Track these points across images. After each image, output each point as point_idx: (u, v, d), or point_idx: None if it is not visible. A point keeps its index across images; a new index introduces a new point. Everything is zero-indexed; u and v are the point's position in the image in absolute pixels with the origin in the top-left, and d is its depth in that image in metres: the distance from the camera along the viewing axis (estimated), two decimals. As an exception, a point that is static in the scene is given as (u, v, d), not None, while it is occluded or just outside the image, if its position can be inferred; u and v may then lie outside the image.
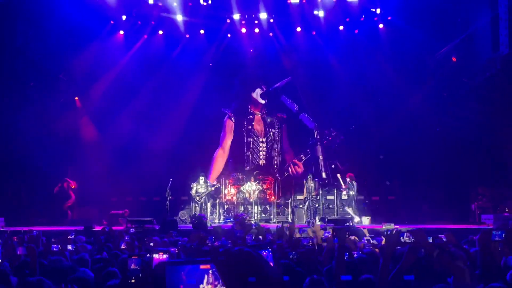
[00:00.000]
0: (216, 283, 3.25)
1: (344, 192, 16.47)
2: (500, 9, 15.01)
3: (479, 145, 17.47)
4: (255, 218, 15.87)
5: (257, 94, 16.46)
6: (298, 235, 8.72)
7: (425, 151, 18.60)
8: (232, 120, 16.59)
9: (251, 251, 2.09)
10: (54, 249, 6.28)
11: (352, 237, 8.72)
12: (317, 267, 5.07)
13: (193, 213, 16.25)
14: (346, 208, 16.43)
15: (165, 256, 3.97)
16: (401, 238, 4.26)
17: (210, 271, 3.28)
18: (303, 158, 16.65)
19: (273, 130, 16.92)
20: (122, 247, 7.40)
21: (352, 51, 19.57)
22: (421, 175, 18.64)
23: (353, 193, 16.50)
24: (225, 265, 2.08)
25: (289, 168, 16.60)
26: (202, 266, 3.23)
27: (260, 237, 8.87)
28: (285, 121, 17.53)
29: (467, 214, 17.12)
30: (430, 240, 6.08)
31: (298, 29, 19.34)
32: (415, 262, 3.79)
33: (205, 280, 3.29)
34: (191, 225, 14.45)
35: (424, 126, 18.65)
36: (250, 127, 16.60)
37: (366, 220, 16.07)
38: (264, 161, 16.86)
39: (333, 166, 18.48)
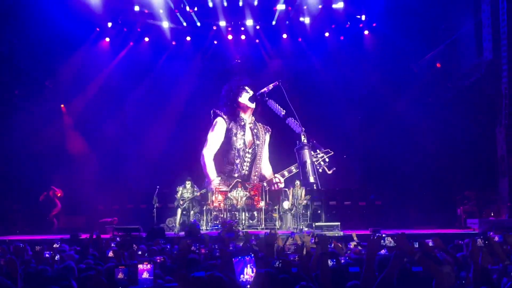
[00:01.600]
0: None
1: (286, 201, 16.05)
2: (483, 15, 15.21)
3: (464, 150, 17.61)
4: (243, 224, 15.82)
5: (244, 98, 16.38)
6: (281, 243, 8.72)
7: (411, 156, 18.73)
8: (224, 122, 16.42)
9: (222, 276, 2.08)
10: (39, 258, 6.22)
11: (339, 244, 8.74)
12: (304, 274, 5.06)
13: (179, 219, 16.12)
14: (288, 215, 15.98)
15: (149, 266, 3.95)
16: (382, 241, 4.27)
17: None
18: (285, 175, 16.51)
19: (258, 142, 16.87)
20: (109, 255, 7.35)
21: (338, 58, 19.70)
22: (407, 180, 18.75)
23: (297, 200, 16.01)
24: None
25: (272, 186, 16.51)
26: None
27: (248, 244, 8.86)
28: (269, 134, 17.46)
29: (453, 219, 17.23)
30: (416, 245, 6.11)
31: (284, 35, 19.45)
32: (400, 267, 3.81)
33: None
34: (182, 232, 14.35)
35: (410, 131, 18.78)
36: (242, 133, 16.51)
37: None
38: (246, 172, 16.82)
39: (320, 170, 18.48)
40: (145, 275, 4.04)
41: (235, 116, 16.45)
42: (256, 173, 16.92)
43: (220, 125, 16.46)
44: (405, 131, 18.86)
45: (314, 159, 15.08)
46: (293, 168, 15.86)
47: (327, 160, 15.53)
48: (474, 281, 4.24)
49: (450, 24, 17.26)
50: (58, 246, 7.29)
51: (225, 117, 16.39)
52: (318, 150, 15.67)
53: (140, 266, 4.04)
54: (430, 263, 3.58)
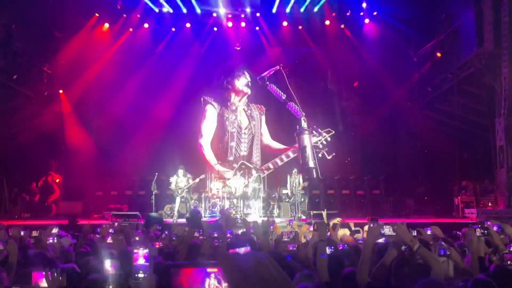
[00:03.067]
0: (220, 286, 3.23)
1: (249, 185, 15.99)
2: (484, 4, 15.14)
3: (463, 140, 17.63)
4: (241, 212, 15.85)
5: (241, 83, 16.25)
6: (279, 231, 8.74)
7: (409, 145, 18.76)
8: (215, 108, 16.33)
9: (259, 256, 2.06)
10: (38, 242, 6.23)
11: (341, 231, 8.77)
12: (300, 262, 5.09)
13: (178, 207, 16.14)
14: (251, 202, 15.89)
15: (145, 251, 3.95)
16: (382, 230, 4.28)
17: (213, 274, 3.25)
18: (284, 159, 16.35)
19: (254, 122, 16.79)
20: (108, 241, 7.36)
21: (338, 46, 19.64)
22: (405, 169, 18.79)
23: (259, 186, 15.98)
24: (233, 269, 2.03)
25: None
26: (208, 269, 3.19)
27: (245, 230, 8.87)
28: (264, 113, 17.41)
29: (451, 208, 17.29)
30: (414, 234, 6.14)
31: (285, 23, 19.34)
32: (398, 256, 3.82)
33: (207, 283, 3.27)
34: (181, 219, 14.40)
35: (408, 120, 18.78)
36: (234, 117, 16.42)
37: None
38: (246, 153, 16.74)
39: (320, 155, 18.46)
40: (141, 261, 4.04)
41: (225, 100, 16.35)
42: (257, 154, 16.87)
43: (211, 111, 16.33)
44: (403, 120, 18.87)
45: (317, 139, 15.00)
46: (290, 153, 15.79)
47: (329, 139, 15.45)
48: (472, 270, 4.26)
49: (451, 14, 17.18)
50: (56, 231, 7.29)
51: (214, 103, 16.27)
52: (320, 130, 15.59)
53: (135, 251, 4.05)
54: (428, 252, 3.60)
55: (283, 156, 16.21)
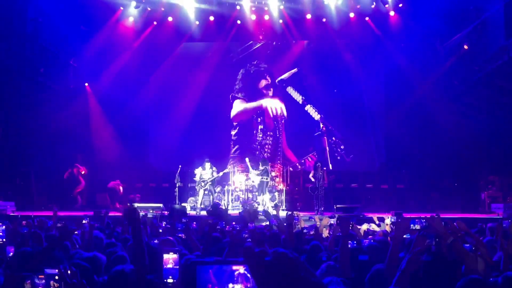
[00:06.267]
0: (246, 284, 3.22)
1: (253, 177, 16.07)
2: (514, -5, 14.81)
3: (489, 134, 17.34)
4: (263, 205, 15.90)
5: (263, 85, 16.36)
6: (302, 225, 8.75)
7: (435, 139, 18.52)
8: (245, 101, 16.48)
9: (287, 253, 2.04)
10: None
11: (364, 226, 8.72)
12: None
13: (201, 199, 16.24)
14: (259, 197, 16.00)
15: (175, 255, 3.98)
16: (412, 225, 4.22)
17: (239, 272, 3.24)
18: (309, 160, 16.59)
19: (277, 125, 16.98)
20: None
21: (363, 39, 19.45)
22: (430, 163, 18.54)
23: (267, 179, 16.02)
24: (259, 267, 2.02)
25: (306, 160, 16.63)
26: (234, 267, 3.19)
27: (268, 223, 8.89)
28: (285, 120, 17.51)
29: (477, 203, 17.04)
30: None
31: (308, 16, 19.19)
32: (426, 250, 3.76)
33: (234, 280, 3.25)
34: (204, 212, 14.49)
35: (434, 114, 18.52)
36: (260, 119, 16.54)
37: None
38: (269, 154, 16.88)
39: (338, 157, 18.47)
40: (170, 265, 4.06)
41: (251, 100, 16.53)
42: (279, 155, 16.95)
43: (240, 108, 16.52)
44: (429, 114, 18.62)
45: (333, 145, 15.14)
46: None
47: (342, 147, 15.53)
48: (504, 267, 4.17)
49: (479, 5, 16.83)
50: (86, 222, 7.38)
51: (245, 99, 16.43)
52: (334, 138, 15.69)
53: (165, 256, 4.05)
54: (462, 248, 3.53)
55: (308, 158, 16.39)
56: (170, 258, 4.00)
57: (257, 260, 2.01)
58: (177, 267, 3.95)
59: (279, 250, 2.16)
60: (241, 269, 3.21)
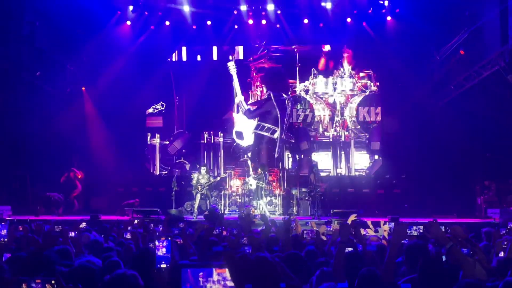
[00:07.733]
0: (224, 283, 3.24)
1: (251, 181, 16.12)
2: (510, 1, 14.85)
3: (485, 139, 17.37)
4: (260, 209, 15.89)
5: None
6: (300, 230, 8.73)
7: (431, 144, 18.54)
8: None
9: (268, 257, 2.05)
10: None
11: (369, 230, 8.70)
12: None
13: (197, 204, 16.21)
14: (255, 202, 16.04)
15: (165, 243, 4.01)
16: (409, 231, 4.22)
17: (220, 273, 3.26)
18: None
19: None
20: (127, 236, 7.42)
21: (359, 43, 19.51)
22: (426, 168, 18.55)
23: (262, 184, 16.03)
24: (240, 270, 2.03)
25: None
26: (217, 270, 3.21)
27: (265, 227, 8.86)
28: None
29: (473, 208, 17.05)
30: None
31: (306, 21, 19.24)
32: (425, 257, 3.76)
33: (211, 281, 3.28)
34: (201, 216, 14.47)
35: (430, 119, 18.57)
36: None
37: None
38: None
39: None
40: (162, 251, 4.12)
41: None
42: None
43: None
44: (425, 119, 18.66)
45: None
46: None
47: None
48: (499, 272, 4.18)
49: (475, 11, 16.89)
50: (84, 226, 7.35)
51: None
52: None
53: (157, 243, 4.11)
54: (460, 253, 3.53)
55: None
56: (161, 246, 4.07)
57: (238, 264, 2.03)
58: (169, 254, 4.00)
59: (260, 254, 2.18)
60: (223, 272, 3.24)
